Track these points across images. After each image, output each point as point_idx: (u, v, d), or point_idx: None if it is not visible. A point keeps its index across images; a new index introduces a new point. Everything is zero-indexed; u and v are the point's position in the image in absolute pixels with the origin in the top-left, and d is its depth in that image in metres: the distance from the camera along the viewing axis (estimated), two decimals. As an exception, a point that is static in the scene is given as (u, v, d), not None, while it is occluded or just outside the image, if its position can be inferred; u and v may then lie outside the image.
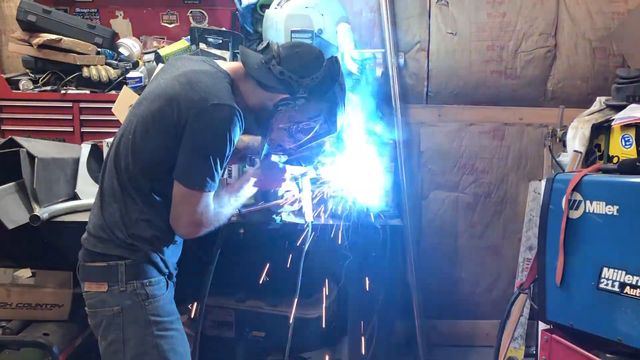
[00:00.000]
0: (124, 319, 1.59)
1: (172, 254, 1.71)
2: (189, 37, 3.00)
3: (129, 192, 1.59)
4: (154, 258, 1.62)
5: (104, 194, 1.64)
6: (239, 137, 1.64)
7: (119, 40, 3.16)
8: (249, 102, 1.69)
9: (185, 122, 1.53)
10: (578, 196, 1.61)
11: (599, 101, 2.54)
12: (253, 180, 1.85)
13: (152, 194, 1.61)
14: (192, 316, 2.27)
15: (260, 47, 1.71)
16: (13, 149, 2.19)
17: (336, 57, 1.72)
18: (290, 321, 1.96)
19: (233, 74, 1.67)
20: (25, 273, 2.30)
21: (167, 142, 1.56)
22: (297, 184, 2.05)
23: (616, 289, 1.51)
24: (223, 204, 1.70)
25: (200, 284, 2.31)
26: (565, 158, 2.49)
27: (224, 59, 2.83)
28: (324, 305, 2.36)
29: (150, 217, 1.60)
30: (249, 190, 1.85)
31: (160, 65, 2.80)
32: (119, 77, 2.93)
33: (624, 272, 1.49)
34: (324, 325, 2.34)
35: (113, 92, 2.90)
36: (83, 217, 2.10)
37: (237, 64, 1.72)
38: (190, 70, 1.60)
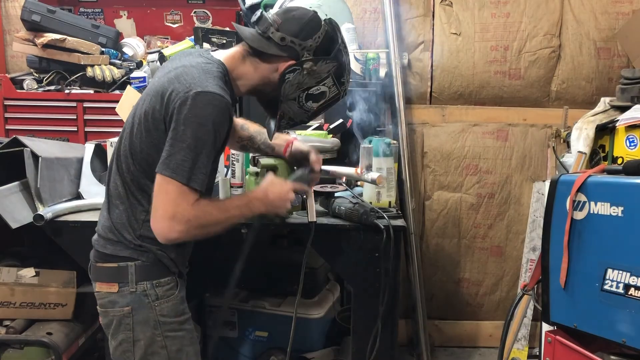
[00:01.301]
0: (134, 319, 1.59)
1: (182, 252, 1.68)
2: (192, 37, 3.01)
3: (133, 193, 1.59)
4: (163, 258, 1.61)
5: (110, 195, 1.63)
6: (227, 127, 1.55)
7: (123, 40, 3.18)
8: (251, 82, 1.65)
9: (171, 114, 1.48)
10: (582, 197, 1.60)
11: (604, 102, 2.54)
12: (258, 198, 1.68)
13: None
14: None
15: (254, 18, 1.64)
16: (17, 149, 2.19)
17: (330, 18, 1.66)
18: (293, 321, 1.95)
19: (229, 61, 1.63)
20: (28, 272, 2.30)
21: (160, 140, 1.52)
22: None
23: (620, 290, 1.50)
24: (217, 207, 1.58)
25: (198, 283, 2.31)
26: (569, 159, 2.48)
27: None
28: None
29: (156, 218, 1.59)
30: (253, 208, 1.67)
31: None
32: (122, 77, 2.94)
33: (628, 274, 1.48)
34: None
35: (117, 91, 2.91)
36: (87, 216, 2.11)
37: (233, 50, 1.67)
38: (181, 66, 1.56)
